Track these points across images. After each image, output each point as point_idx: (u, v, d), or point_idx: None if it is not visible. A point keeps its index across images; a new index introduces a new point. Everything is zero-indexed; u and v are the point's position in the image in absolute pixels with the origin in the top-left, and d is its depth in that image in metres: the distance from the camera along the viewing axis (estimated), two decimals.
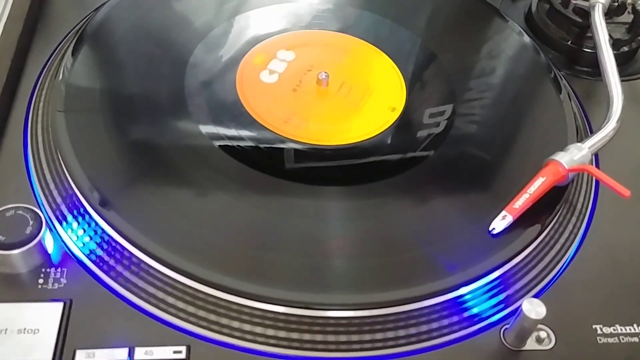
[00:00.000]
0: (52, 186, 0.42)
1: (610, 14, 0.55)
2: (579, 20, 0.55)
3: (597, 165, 0.47)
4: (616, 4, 0.54)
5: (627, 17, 0.56)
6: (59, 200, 0.41)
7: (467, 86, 0.51)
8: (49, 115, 0.44)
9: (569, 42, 0.56)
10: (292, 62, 0.51)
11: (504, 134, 0.48)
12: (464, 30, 0.56)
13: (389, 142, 0.47)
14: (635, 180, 0.47)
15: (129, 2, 0.52)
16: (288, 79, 0.50)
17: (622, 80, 0.48)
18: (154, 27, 0.52)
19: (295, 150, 0.45)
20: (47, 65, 0.49)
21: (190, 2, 0.55)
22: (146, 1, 0.53)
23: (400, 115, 0.48)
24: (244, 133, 0.46)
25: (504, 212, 0.40)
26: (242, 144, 0.45)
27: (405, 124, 0.48)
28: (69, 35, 0.52)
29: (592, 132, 0.50)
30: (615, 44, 0.53)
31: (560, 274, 0.40)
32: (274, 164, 0.44)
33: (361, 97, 0.49)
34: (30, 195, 0.41)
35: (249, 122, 0.46)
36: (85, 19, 0.53)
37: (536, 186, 0.40)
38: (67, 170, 0.41)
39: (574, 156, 0.41)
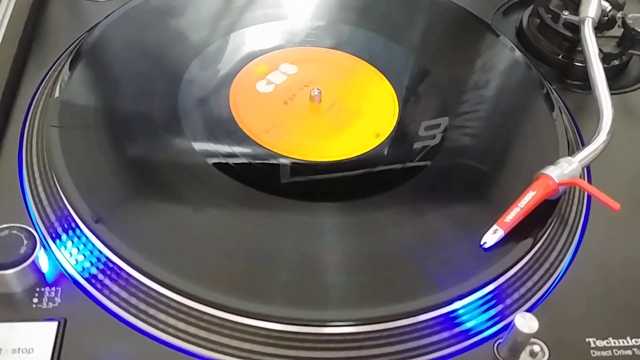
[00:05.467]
0: (46, 204, 0.42)
1: (600, 28, 0.55)
2: (570, 34, 0.55)
3: (589, 178, 0.48)
4: (606, 18, 0.55)
5: (618, 31, 0.56)
6: (52, 218, 0.41)
7: (459, 101, 0.52)
8: (43, 133, 0.44)
9: (560, 56, 0.56)
10: (293, 75, 0.52)
11: (496, 148, 0.49)
12: (456, 46, 0.57)
13: (375, 157, 0.47)
14: (627, 192, 0.47)
15: (125, 20, 0.53)
16: (283, 91, 0.50)
17: (613, 94, 0.49)
18: (148, 45, 0.52)
19: (278, 164, 0.46)
20: (41, 85, 0.50)
21: (183, 20, 0.55)
22: (141, 19, 0.54)
23: (382, 141, 0.48)
24: (228, 142, 0.47)
25: (495, 226, 0.40)
26: (232, 161, 0.45)
27: (392, 144, 0.48)
28: (64, 55, 0.52)
29: (583, 145, 0.50)
30: (605, 57, 0.54)
31: (553, 287, 0.40)
32: (258, 176, 0.45)
33: (349, 119, 0.49)
34: (25, 213, 0.41)
35: (233, 128, 0.47)
36: (80, 38, 0.53)
37: (527, 200, 0.40)
38: (60, 188, 0.41)
39: (564, 170, 0.41)
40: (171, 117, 0.47)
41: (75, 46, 0.52)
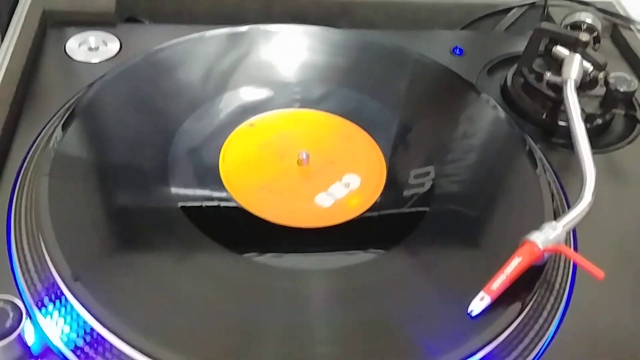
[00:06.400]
0: (32, 270, 0.42)
1: (583, 87, 0.56)
2: (553, 94, 0.56)
3: (575, 239, 0.48)
4: (588, 78, 0.56)
5: (601, 90, 0.57)
6: (39, 286, 0.41)
7: (443, 161, 0.52)
8: (32, 198, 0.45)
9: (544, 115, 0.57)
10: (281, 137, 0.53)
11: (480, 210, 0.49)
12: (439, 105, 0.58)
13: (361, 223, 0.48)
14: (614, 254, 0.47)
15: (120, 80, 0.54)
16: (272, 153, 0.51)
17: (596, 152, 0.49)
18: (138, 106, 0.53)
19: (270, 230, 0.46)
20: (32, 148, 0.50)
21: (177, 80, 0.56)
22: (137, 78, 0.55)
23: (372, 205, 0.49)
24: (216, 205, 0.47)
25: (481, 294, 0.40)
26: (219, 223, 0.46)
27: (380, 206, 0.49)
28: (55, 117, 0.53)
29: (568, 204, 0.51)
30: (588, 118, 0.55)
31: (541, 354, 0.40)
32: (245, 241, 0.45)
33: (336, 181, 0.50)
34: (12, 282, 0.41)
35: (221, 190, 0.48)
36: (71, 100, 0.54)
37: (513, 267, 0.41)
38: (48, 255, 0.41)
39: (548, 235, 0.42)
40: (160, 176, 0.48)
41: (67, 109, 0.52)
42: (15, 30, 0.58)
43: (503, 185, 0.51)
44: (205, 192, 0.48)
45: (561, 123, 0.56)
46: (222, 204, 0.47)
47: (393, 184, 0.50)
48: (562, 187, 0.53)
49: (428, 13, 0.71)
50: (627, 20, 0.68)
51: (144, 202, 0.47)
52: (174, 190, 0.47)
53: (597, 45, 0.60)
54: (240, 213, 0.47)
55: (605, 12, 0.68)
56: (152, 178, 0.48)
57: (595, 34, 0.59)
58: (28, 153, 0.50)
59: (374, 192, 0.49)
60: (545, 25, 0.57)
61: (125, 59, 0.57)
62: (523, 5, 0.71)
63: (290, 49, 0.61)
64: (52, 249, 0.41)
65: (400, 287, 0.43)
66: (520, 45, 0.62)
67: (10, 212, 0.46)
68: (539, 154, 0.54)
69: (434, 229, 0.47)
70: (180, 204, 0.46)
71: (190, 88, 0.56)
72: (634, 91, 0.55)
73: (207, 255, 0.43)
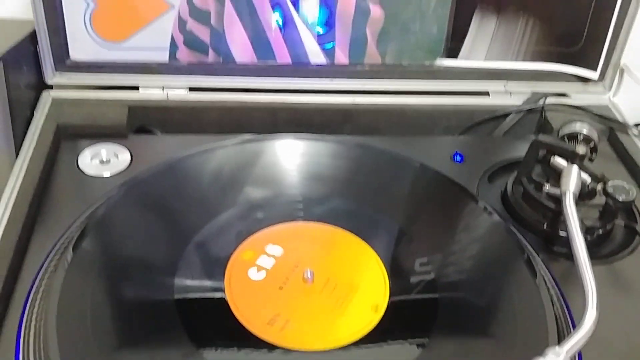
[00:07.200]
0: None
1: (582, 197, 0.57)
2: (552, 206, 0.57)
3: (580, 356, 0.48)
4: (587, 189, 0.57)
5: (600, 199, 0.58)
6: None
7: (444, 274, 0.53)
8: (41, 325, 0.45)
9: (545, 225, 0.58)
10: (280, 257, 0.53)
11: (480, 323, 0.49)
12: (440, 215, 0.59)
13: (375, 338, 0.48)
14: None
15: (126, 201, 0.56)
16: (275, 276, 0.52)
17: (598, 264, 0.50)
18: (143, 229, 0.55)
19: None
20: (42, 269, 0.51)
21: (182, 203, 0.57)
22: (141, 200, 0.56)
23: (383, 315, 0.49)
24: (230, 343, 0.46)
25: None
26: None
27: (388, 323, 0.49)
28: (66, 234, 0.54)
29: (571, 317, 0.51)
30: (588, 231, 0.55)
31: None
32: None
33: (345, 295, 0.50)
34: None
35: (234, 326, 0.47)
36: (83, 217, 0.55)
37: None
38: None
39: None
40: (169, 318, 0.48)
41: (77, 228, 0.53)
42: (29, 146, 0.60)
43: (502, 297, 0.51)
44: (218, 330, 0.47)
45: (562, 233, 0.57)
46: (238, 339, 0.47)
47: (397, 302, 0.51)
48: (563, 297, 0.53)
49: (428, 118, 0.74)
50: (623, 126, 0.70)
51: (156, 339, 0.47)
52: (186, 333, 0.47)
53: (594, 155, 0.61)
54: (257, 344, 0.46)
55: (602, 117, 0.70)
56: (161, 316, 0.48)
57: (592, 144, 0.61)
58: (38, 274, 0.51)
59: (379, 312, 0.50)
60: (542, 138, 0.59)
61: (132, 176, 0.59)
62: (520, 111, 0.73)
63: (290, 160, 0.63)
64: None
65: None
66: (519, 150, 0.64)
67: (20, 335, 0.46)
68: (540, 264, 0.55)
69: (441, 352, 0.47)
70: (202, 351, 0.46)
71: (198, 204, 0.57)
72: (633, 200, 0.56)
73: None
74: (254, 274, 0.51)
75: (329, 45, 0.71)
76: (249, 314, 0.48)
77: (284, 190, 0.60)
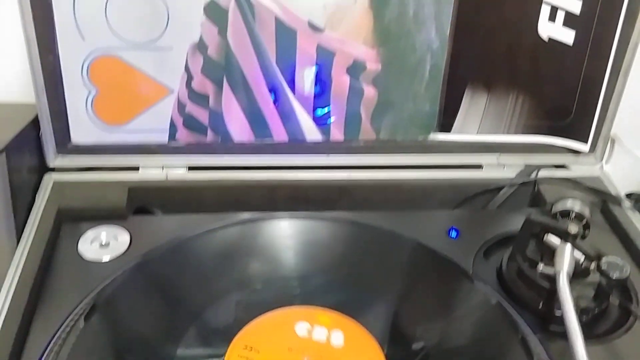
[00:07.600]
0: None
1: (577, 275, 0.58)
2: (547, 285, 0.58)
3: None
4: (581, 267, 0.58)
5: (595, 277, 0.58)
6: None
7: (438, 354, 0.53)
8: None
9: (540, 305, 0.58)
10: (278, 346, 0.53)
11: None
12: (435, 293, 0.60)
13: None
14: None
15: (121, 291, 0.56)
16: None
17: (594, 343, 0.50)
18: (144, 312, 0.55)
19: None
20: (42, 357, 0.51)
21: (187, 281, 0.58)
22: (138, 286, 0.57)
23: None
24: None
25: None
26: None
27: None
28: (66, 321, 0.54)
29: None
30: (583, 311, 0.56)
31: None
32: None
33: None
34: None
35: None
36: (80, 307, 0.56)
37: None
38: None
39: None
40: None
41: (72, 321, 0.53)
42: (30, 232, 0.61)
43: None
44: None
45: (557, 313, 0.57)
46: None
47: None
48: None
49: (423, 192, 0.75)
50: (615, 199, 0.71)
51: None
52: None
53: (587, 232, 0.62)
54: None
55: (594, 190, 0.71)
56: None
57: (584, 221, 0.62)
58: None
59: None
60: (535, 217, 0.60)
61: (129, 265, 0.59)
62: (514, 185, 0.74)
63: (286, 240, 0.64)
64: None
65: None
66: (514, 224, 0.65)
67: None
68: (535, 343, 0.55)
69: None
70: None
71: (195, 288, 0.58)
72: (627, 277, 0.57)
73: None
74: None
75: (324, 123, 0.73)
76: None
77: (281, 272, 0.61)
